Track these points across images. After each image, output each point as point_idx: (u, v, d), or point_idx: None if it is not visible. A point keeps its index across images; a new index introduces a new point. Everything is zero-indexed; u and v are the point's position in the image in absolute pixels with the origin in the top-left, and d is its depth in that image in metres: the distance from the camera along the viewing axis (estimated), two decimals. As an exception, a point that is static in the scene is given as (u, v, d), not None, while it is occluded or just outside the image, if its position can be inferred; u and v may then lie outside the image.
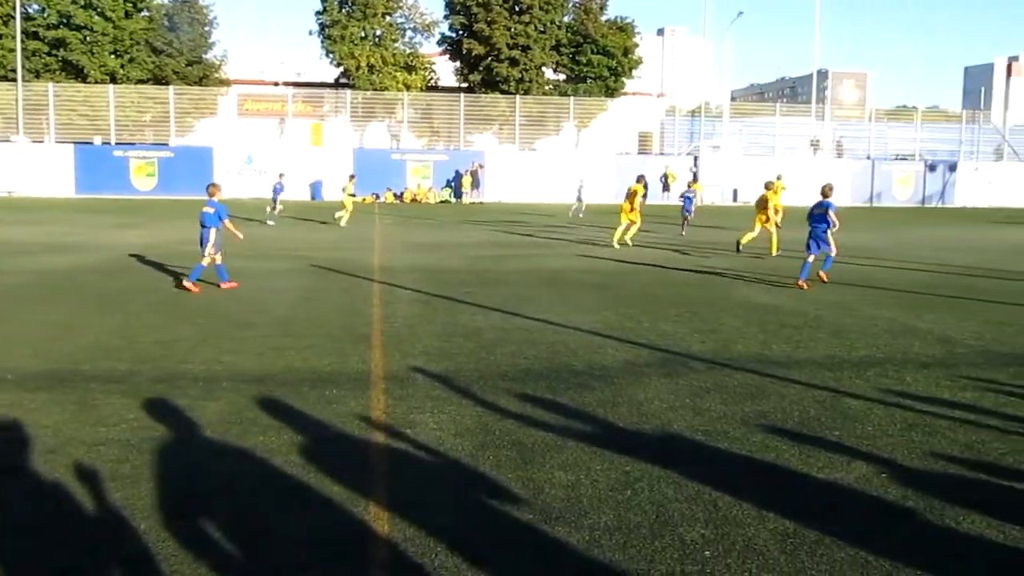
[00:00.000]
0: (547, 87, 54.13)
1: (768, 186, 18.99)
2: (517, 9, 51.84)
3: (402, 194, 43.31)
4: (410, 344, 8.59)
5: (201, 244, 12.20)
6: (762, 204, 18.66)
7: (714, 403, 6.55)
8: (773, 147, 50.26)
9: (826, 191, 13.65)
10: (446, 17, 54.16)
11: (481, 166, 44.11)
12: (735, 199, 46.89)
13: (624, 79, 55.39)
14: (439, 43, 56.17)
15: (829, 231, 13.33)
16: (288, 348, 8.31)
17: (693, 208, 25.47)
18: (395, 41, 53.18)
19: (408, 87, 50.90)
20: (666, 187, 42.85)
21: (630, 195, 20.01)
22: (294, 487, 4.77)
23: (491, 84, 52.27)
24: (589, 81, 53.79)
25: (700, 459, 5.31)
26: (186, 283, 12.01)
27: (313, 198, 41.93)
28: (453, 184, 44.13)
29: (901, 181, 50.67)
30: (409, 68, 52.84)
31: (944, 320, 10.52)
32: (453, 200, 43.35)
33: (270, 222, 24.93)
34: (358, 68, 50.43)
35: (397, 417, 6.07)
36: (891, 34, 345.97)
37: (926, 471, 5.15)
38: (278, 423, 5.85)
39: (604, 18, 54.57)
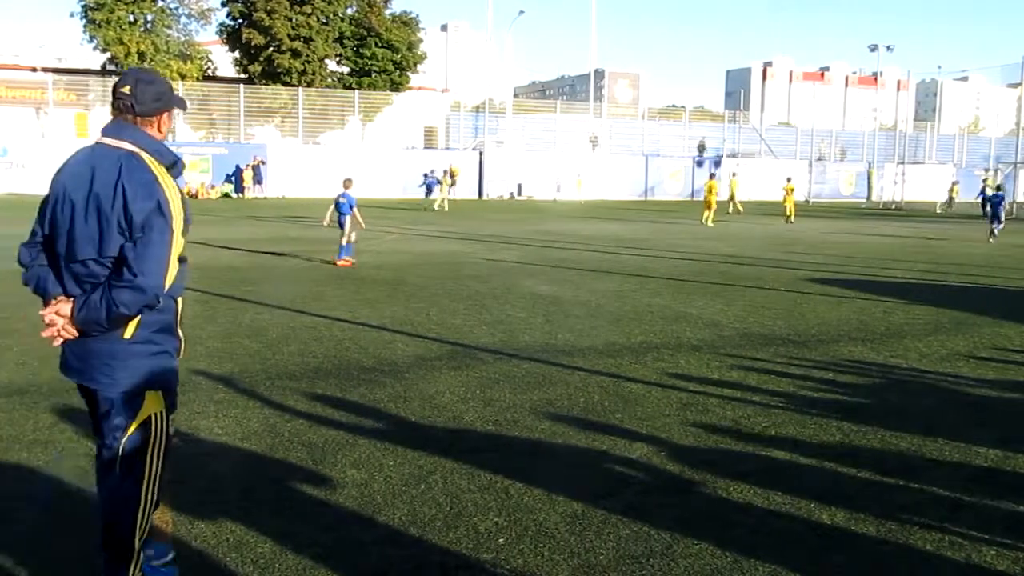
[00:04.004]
0: (331, 80, 53.18)
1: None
2: (299, -1, 50.62)
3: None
4: (190, 346, 8.12)
5: (341, 228, 14.99)
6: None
7: (503, 393, 6.69)
8: (554, 143, 51.93)
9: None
10: (223, 4, 51.98)
11: (263, 160, 42.71)
12: (519, 194, 48.06)
13: (409, 73, 55.37)
14: (217, 32, 53.88)
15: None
16: (54, 356, 7.66)
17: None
18: (168, 28, 50.41)
19: (183, 77, 48.40)
20: (453, 183, 43.28)
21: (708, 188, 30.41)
22: (67, 505, 4.42)
23: (272, 75, 50.74)
24: (374, 75, 53.36)
25: (491, 449, 5.40)
26: (339, 261, 14.87)
27: None
28: (233, 179, 42.46)
29: (672, 176, 53.83)
30: (184, 57, 50.31)
31: (711, 306, 11.28)
32: (234, 195, 41.70)
33: None
34: (127, 55, 47.38)
35: (179, 423, 5.76)
36: (661, 37, 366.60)
37: (700, 447, 5.50)
38: (44, 438, 5.40)
39: (388, 12, 54.28)
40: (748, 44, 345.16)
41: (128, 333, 3.13)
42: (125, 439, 3.20)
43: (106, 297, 3.00)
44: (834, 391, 7.00)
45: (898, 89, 70.32)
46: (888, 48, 58.24)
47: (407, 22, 54.60)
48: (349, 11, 53.59)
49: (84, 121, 44.67)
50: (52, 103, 44.77)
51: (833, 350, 8.62)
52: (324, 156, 44.63)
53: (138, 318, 3.11)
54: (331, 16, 52.39)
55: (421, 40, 55.77)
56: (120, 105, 3.13)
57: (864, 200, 55.88)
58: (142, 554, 3.35)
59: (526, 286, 12.86)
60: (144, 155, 3.10)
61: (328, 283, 12.74)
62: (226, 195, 41.55)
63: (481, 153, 47.77)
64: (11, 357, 7.63)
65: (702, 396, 6.72)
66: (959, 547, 4.08)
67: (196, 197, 40.65)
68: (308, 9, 50.74)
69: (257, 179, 42.07)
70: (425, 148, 51.43)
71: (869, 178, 58.12)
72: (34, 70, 50.68)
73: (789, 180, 33.81)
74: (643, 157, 53.44)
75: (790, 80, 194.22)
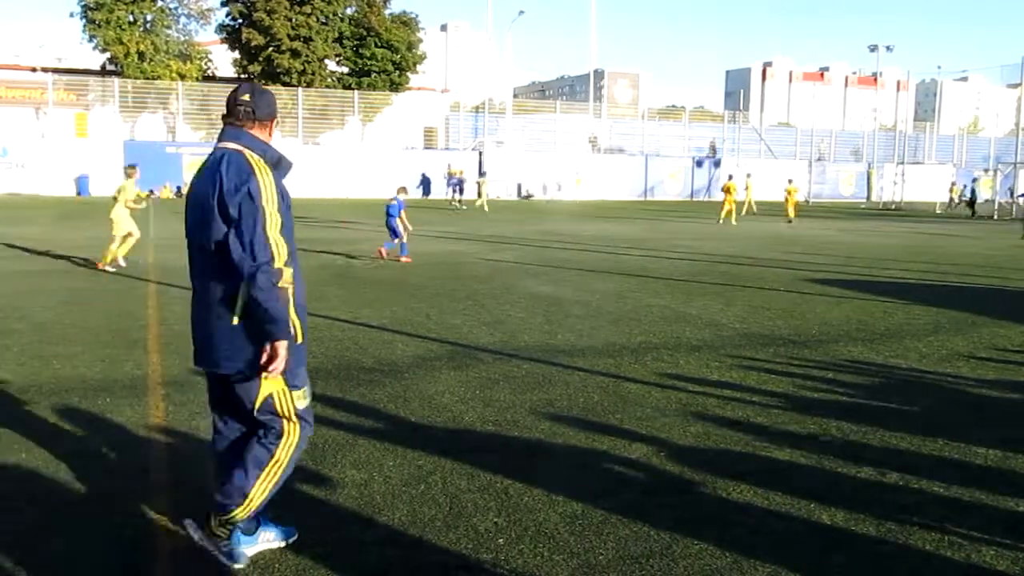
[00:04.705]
0: (330, 80, 53.17)
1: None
2: (298, -1, 50.58)
3: (179, 189, 41.16)
4: (189, 346, 8.14)
5: (391, 230, 15.88)
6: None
7: (503, 394, 6.68)
8: (554, 143, 51.95)
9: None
10: (223, 4, 51.99)
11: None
12: (519, 194, 48.07)
13: (408, 74, 55.37)
14: (216, 31, 53.87)
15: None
16: (53, 356, 7.68)
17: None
18: (168, 28, 50.40)
19: (183, 77, 48.40)
20: (449, 183, 43.27)
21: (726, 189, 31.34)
22: (65, 505, 4.42)
23: (272, 76, 50.73)
24: (373, 75, 53.35)
25: (491, 449, 5.39)
26: (402, 258, 15.79)
27: (79, 193, 39.03)
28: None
29: (672, 176, 53.84)
30: (184, 57, 50.29)
31: (711, 306, 11.28)
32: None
33: None
34: (127, 55, 47.37)
35: (178, 424, 5.77)
36: (661, 37, 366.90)
37: (699, 447, 5.50)
38: (44, 438, 5.39)
39: (387, 12, 54.28)
40: (748, 44, 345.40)
41: (236, 319, 3.46)
42: (253, 416, 3.60)
43: (248, 294, 3.39)
44: (834, 391, 7.00)
45: (898, 89, 70.31)
46: (888, 48, 58.23)
47: (407, 22, 54.60)
48: (349, 11, 53.60)
49: (84, 121, 44.65)
50: (52, 103, 44.78)
51: (833, 350, 8.62)
52: (324, 156, 44.64)
53: (241, 303, 3.42)
54: (331, 16, 52.39)
55: (421, 40, 55.77)
56: (239, 113, 3.55)
57: (864, 200, 55.91)
58: (251, 505, 3.70)
59: (526, 286, 12.86)
60: (247, 152, 3.49)
61: (328, 283, 12.74)
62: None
63: (481, 153, 47.77)
64: (11, 357, 7.62)
65: (702, 396, 6.71)
66: (959, 547, 4.08)
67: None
68: (308, 9, 50.75)
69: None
70: (425, 148, 51.44)
71: (869, 178, 58.16)
72: (34, 70, 50.68)
73: (791, 181, 34.32)
74: (643, 157, 53.44)
75: (790, 80, 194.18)
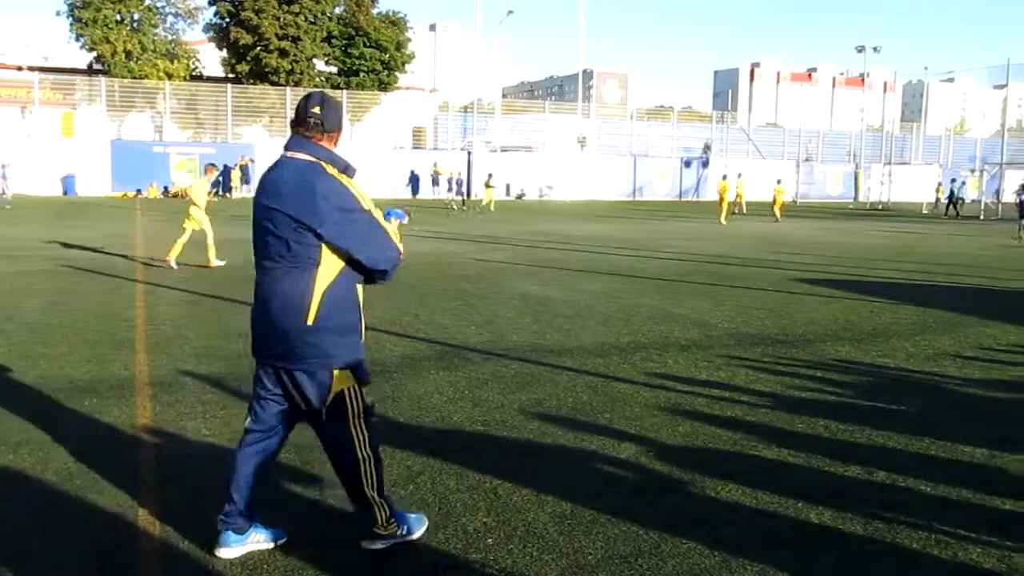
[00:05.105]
0: (319, 79, 53.01)
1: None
2: (286, -2, 50.40)
3: (167, 189, 41.00)
4: (178, 347, 8.15)
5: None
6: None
7: (492, 393, 6.68)
8: (543, 143, 51.94)
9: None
10: (211, 3, 51.75)
11: (251, 160, 42.56)
12: (507, 193, 48.03)
13: (397, 73, 55.24)
14: (204, 31, 53.64)
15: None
16: (40, 357, 7.64)
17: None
18: (155, 27, 50.12)
19: (170, 76, 48.15)
20: (435, 182, 43.23)
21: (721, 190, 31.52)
22: (53, 506, 4.40)
23: (260, 75, 50.54)
24: (362, 75, 53.22)
25: (480, 449, 5.39)
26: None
27: (65, 193, 38.78)
28: (221, 178, 42.27)
29: (661, 176, 53.91)
30: (171, 56, 50.04)
31: (699, 306, 11.30)
32: (220, 195, 41.54)
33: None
34: (114, 54, 47.10)
35: (166, 424, 5.75)
36: (649, 38, 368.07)
37: (688, 446, 5.51)
38: (31, 439, 5.36)
39: (376, 11, 54.14)
40: (736, 45, 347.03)
41: (310, 319, 3.61)
42: (324, 413, 3.77)
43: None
44: (822, 391, 7.02)
45: (885, 90, 70.55)
46: (875, 49, 58.40)
47: (395, 22, 54.46)
48: (337, 10, 53.42)
49: (71, 120, 44.35)
50: (38, 102, 44.42)
51: (821, 350, 8.65)
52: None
53: (318, 303, 3.61)
54: (319, 15, 52.21)
55: (409, 40, 55.62)
56: (310, 123, 3.68)
57: (851, 200, 56.11)
58: (386, 503, 3.91)
59: (515, 286, 12.86)
60: (323, 163, 3.65)
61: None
62: (218, 195, 41.35)
63: (470, 153, 47.72)
64: (-3, 358, 7.58)
65: (690, 396, 6.73)
66: (946, 545, 4.10)
67: (185, 196, 40.53)
68: (296, 8, 50.55)
69: (245, 179, 41.90)
70: (413, 148, 51.33)
71: (856, 178, 58.37)
72: (20, 69, 50.30)
73: (780, 182, 34.73)
74: (631, 157, 53.50)
75: (778, 81, 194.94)
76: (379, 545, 3.92)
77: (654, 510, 4.47)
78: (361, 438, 3.84)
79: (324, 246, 3.59)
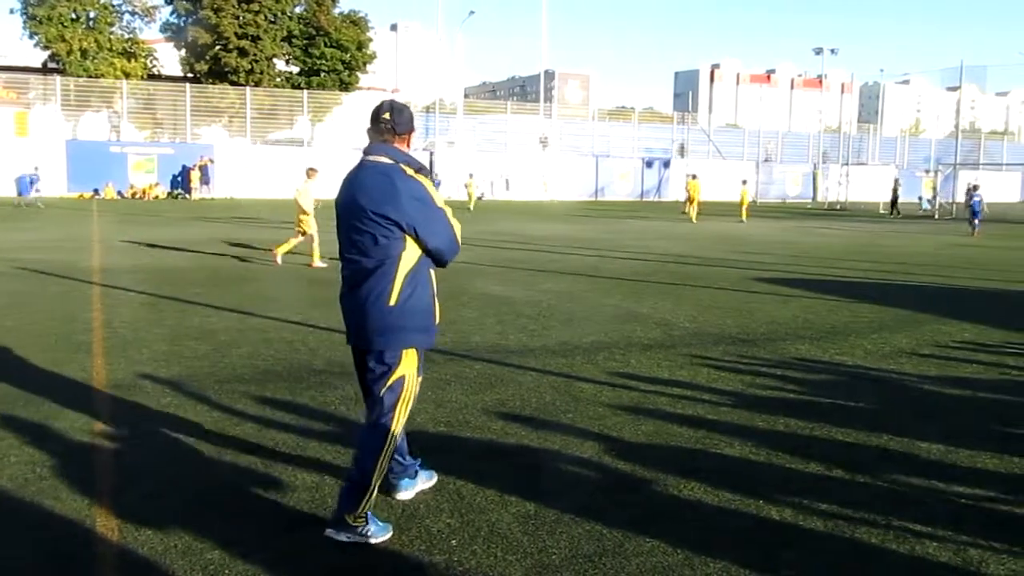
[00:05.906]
0: (279, 79, 52.56)
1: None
2: (245, -3, 49.89)
3: (121, 193, 40.37)
4: (136, 350, 8.03)
5: None
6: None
7: (455, 394, 6.66)
8: (505, 143, 51.97)
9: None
10: (168, 2, 51.11)
11: (211, 160, 42.10)
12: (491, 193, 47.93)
13: (358, 73, 54.95)
14: (162, 30, 52.93)
15: None
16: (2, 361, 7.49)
17: None
18: (111, 25, 49.31)
19: (127, 75, 47.47)
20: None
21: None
22: (8, 512, 4.30)
23: (219, 75, 49.99)
24: (323, 74, 52.86)
25: (443, 450, 5.37)
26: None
27: (20, 194, 37.99)
28: (180, 179, 41.77)
29: (622, 176, 54.21)
30: (128, 55, 49.30)
31: (662, 305, 11.37)
32: (178, 195, 41.01)
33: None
34: (69, 52, 46.29)
35: (125, 428, 5.66)
36: (611, 38, 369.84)
37: (651, 445, 5.54)
38: (-18, 444, 5.25)
39: (337, 11, 53.80)
40: (696, 46, 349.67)
41: (392, 300, 3.99)
42: (383, 392, 4.05)
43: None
44: (782, 389, 7.10)
45: (842, 92, 71.60)
46: (832, 51, 59.19)
47: (356, 21, 54.16)
48: (297, 10, 53.00)
49: (24, 120, 43.52)
50: (-9, 101, 43.59)
51: (781, 348, 8.74)
52: (273, 156, 44.07)
53: (399, 288, 3.99)
54: (279, 15, 51.76)
55: (371, 40, 55.35)
56: (382, 128, 4.06)
57: (810, 200, 56.83)
58: (373, 493, 4.03)
59: (477, 286, 12.84)
60: (401, 165, 4.00)
61: (278, 285, 12.60)
62: (177, 196, 40.84)
63: (432, 153, 47.60)
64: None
65: (653, 395, 6.76)
66: (904, 540, 4.16)
67: (144, 197, 39.94)
68: (255, 7, 50.06)
69: (205, 179, 41.44)
70: (376, 148, 50.98)
71: (815, 179, 59.13)
72: (-29, 67, 49.32)
73: (745, 183, 35.58)
74: (593, 158, 53.71)
75: (737, 82, 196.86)
76: (343, 537, 3.98)
77: (618, 509, 4.48)
78: (400, 421, 4.09)
79: (406, 237, 3.95)
